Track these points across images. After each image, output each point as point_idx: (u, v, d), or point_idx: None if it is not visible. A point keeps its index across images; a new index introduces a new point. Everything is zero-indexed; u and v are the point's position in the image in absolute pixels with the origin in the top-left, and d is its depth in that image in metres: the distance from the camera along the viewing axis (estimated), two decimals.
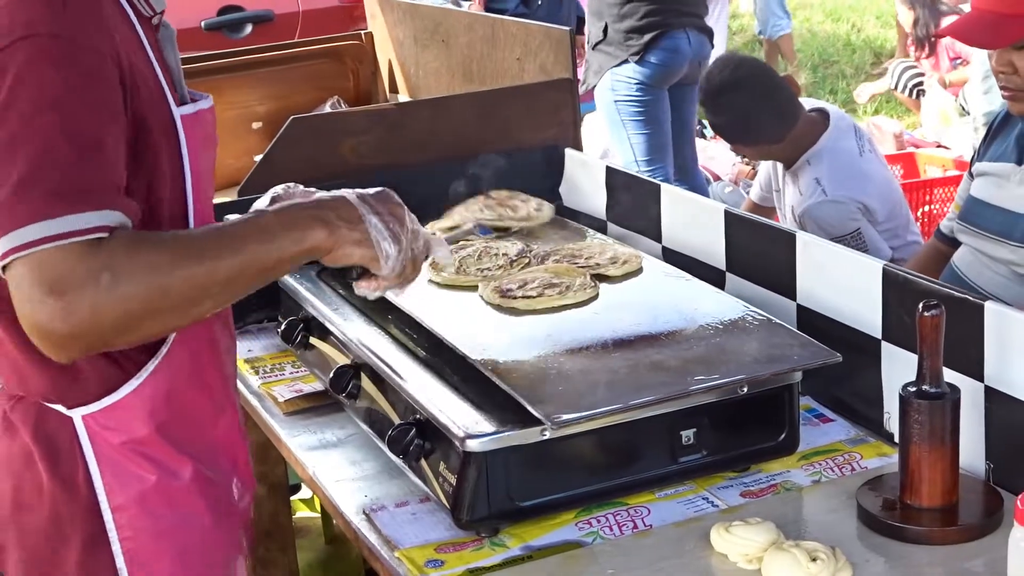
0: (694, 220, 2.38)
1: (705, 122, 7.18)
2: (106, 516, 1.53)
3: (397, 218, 1.57)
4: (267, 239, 1.45)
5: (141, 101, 1.45)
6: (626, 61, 4.95)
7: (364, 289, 1.61)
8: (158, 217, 1.50)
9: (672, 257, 2.40)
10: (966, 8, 7.42)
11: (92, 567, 1.54)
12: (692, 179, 5.26)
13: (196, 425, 1.60)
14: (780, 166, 3.65)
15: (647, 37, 4.91)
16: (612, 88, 5.00)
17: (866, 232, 3.43)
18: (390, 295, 2.08)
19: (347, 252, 1.52)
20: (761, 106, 3.49)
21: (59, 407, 1.53)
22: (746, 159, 5.90)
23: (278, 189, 1.88)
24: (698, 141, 6.14)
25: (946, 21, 7.11)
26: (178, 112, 1.52)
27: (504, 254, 2.23)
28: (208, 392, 1.62)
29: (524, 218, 2.38)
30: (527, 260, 2.21)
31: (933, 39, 7.10)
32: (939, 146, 6.13)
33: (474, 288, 2.11)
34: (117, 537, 1.53)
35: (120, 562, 1.54)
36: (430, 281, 2.16)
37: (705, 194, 5.17)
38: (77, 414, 1.52)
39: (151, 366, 1.54)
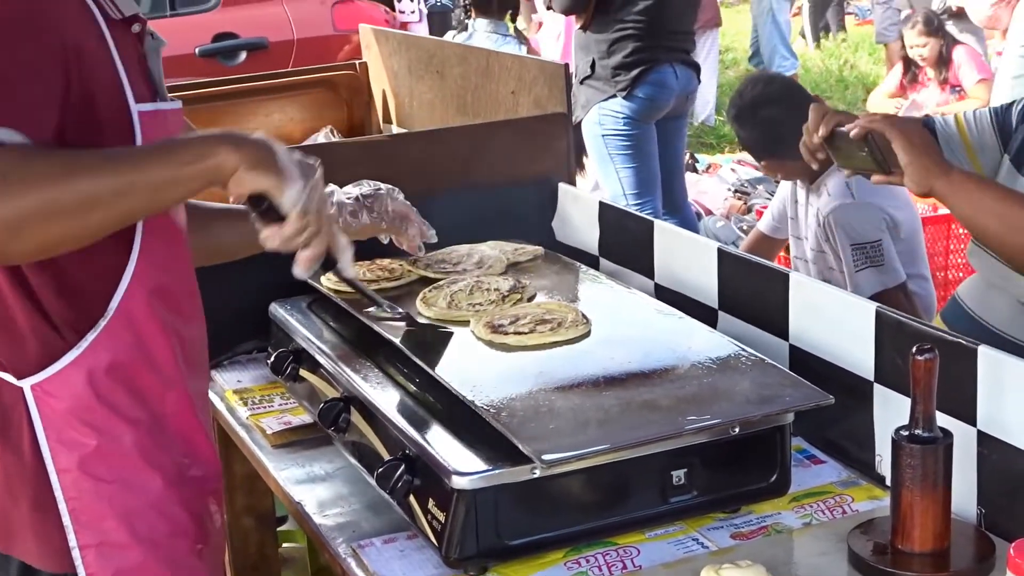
0: (687, 257, 2.37)
1: (698, 156, 7.26)
2: (52, 479, 1.63)
3: (307, 165, 1.62)
4: (166, 154, 1.51)
5: (93, 84, 1.54)
6: (613, 96, 4.98)
7: (265, 236, 1.61)
8: None
9: (665, 294, 2.40)
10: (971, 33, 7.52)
11: (42, 526, 1.65)
12: (682, 213, 5.27)
13: (140, 397, 1.67)
14: (800, 191, 3.65)
15: (634, 72, 4.95)
16: (599, 122, 5.03)
17: (887, 247, 3.42)
18: (383, 331, 2.08)
19: (251, 174, 1.53)
20: (793, 120, 3.49)
21: (10, 377, 1.63)
22: (738, 196, 5.91)
23: (383, 187, 2.31)
24: (690, 175, 6.17)
25: (957, 47, 7.19)
26: (136, 108, 1.59)
27: (496, 289, 2.22)
28: (155, 368, 1.68)
29: (398, 277, 2.37)
30: (519, 296, 2.20)
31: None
32: None
33: (465, 323, 2.10)
34: (63, 497, 1.63)
35: (66, 520, 1.64)
36: (421, 315, 2.16)
37: (695, 229, 5.18)
38: (26, 383, 1.62)
39: (91, 337, 1.62)
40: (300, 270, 1.67)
